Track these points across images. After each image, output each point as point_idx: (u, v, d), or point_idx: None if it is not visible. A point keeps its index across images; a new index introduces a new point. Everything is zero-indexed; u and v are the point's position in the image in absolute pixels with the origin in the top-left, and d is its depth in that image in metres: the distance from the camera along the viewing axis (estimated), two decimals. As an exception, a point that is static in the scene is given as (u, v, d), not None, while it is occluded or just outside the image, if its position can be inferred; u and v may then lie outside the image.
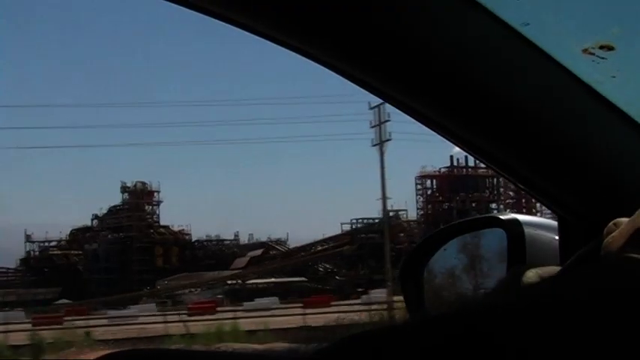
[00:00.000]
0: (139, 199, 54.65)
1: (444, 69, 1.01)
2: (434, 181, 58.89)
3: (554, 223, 1.15)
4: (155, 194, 55.78)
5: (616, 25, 1.05)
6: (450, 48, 1.00)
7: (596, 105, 1.05)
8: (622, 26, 1.04)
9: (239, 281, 48.03)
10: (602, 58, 1.05)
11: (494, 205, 57.30)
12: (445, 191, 57.48)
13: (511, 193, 56.95)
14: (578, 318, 0.49)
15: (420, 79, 1.03)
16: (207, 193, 74.43)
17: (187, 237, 57.77)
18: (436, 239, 1.30)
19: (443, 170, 58.34)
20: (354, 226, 57.15)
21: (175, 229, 56.53)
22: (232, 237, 60.11)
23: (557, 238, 1.14)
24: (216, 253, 57.27)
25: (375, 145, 35.57)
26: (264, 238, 59.24)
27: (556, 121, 1.06)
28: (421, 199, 58.75)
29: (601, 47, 1.05)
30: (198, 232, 58.83)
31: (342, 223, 57.94)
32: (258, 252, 57.18)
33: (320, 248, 57.15)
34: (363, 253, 53.54)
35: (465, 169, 57.91)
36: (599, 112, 1.05)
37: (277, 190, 73.43)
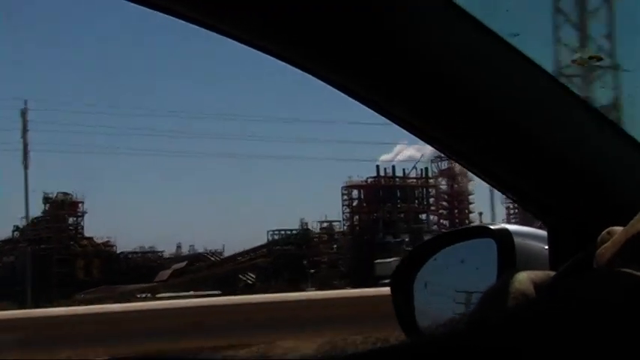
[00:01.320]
0: (60, 209, 53.13)
1: (432, 79, 1.02)
2: (361, 191, 59.32)
3: (544, 232, 1.16)
4: (80, 205, 54.40)
5: (605, 37, 1.08)
6: (439, 58, 1.01)
7: (586, 114, 1.08)
8: (612, 38, 1.08)
9: (148, 294, 47.37)
10: (592, 68, 1.08)
11: (424, 216, 58.19)
12: (372, 201, 57.97)
13: (444, 203, 58.01)
14: (572, 331, 0.50)
15: (408, 88, 1.03)
16: (147, 204, 73.37)
17: (112, 249, 56.54)
18: (426, 249, 1.31)
19: (370, 180, 58.82)
20: (270, 238, 57.14)
21: (100, 240, 55.24)
22: (174, 248, 59.57)
23: (546, 247, 1.15)
24: (141, 266, 56.35)
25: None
26: (210, 248, 58.86)
27: (546, 129, 1.08)
28: (347, 209, 59.05)
29: (590, 58, 1.08)
30: (133, 244, 57.92)
31: (268, 231, 57.82)
32: (182, 264, 56.56)
33: (240, 259, 56.95)
34: (278, 265, 53.58)
35: (392, 179, 58.58)
36: (590, 120, 1.08)
37: (217, 200, 73.06)
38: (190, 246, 60.59)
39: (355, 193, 59.02)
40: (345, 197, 58.49)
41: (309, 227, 57.08)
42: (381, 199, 57.62)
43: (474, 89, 1.04)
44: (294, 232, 55.97)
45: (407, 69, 1.01)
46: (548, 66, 1.09)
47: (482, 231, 1.23)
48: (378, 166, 58.56)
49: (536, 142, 1.08)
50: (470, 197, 56.73)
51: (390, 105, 1.06)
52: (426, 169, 58.60)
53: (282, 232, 56.79)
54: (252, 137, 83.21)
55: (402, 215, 56.94)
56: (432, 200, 58.73)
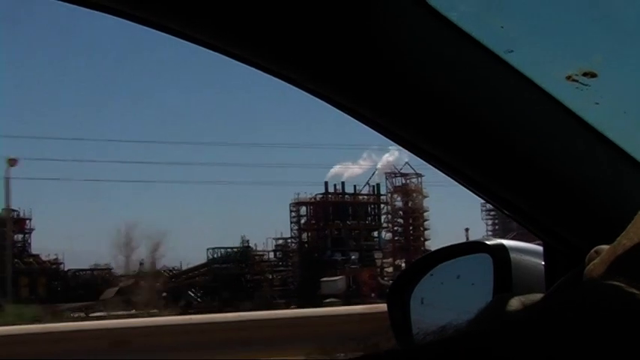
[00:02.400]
0: (3, 227, 51.84)
1: (426, 95, 1.04)
2: (309, 208, 59.32)
3: (540, 248, 1.19)
4: (27, 222, 53.37)
5: (599, 52, 1.11)
6: (433, 74, 1.03)
7: (579, 131, 1.10)
8: (605, 53, 1.10)
9: (82, 314, 46.55)
10: (586, 85, 1.10)
11: (375, 233, 58.42)
12: (320, 218, 58.00)
13: (400, 220, 58.31)
14: (562, 342, 0.52)
15: (403, 105, 1.05)
16: (105, 222, 72.66)
17: (59, 266, 55.46)
18: (423, 264, 1.32)
19: (318, 197, 58.89)
20: (210, 256, 56.71)
21: (47, 258, 54.18)
22: (137, 265, 58.85)
23: (543, 263, 1.18)
24: (91, 283, 55.50)
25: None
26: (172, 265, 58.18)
27: (540, 147, 1.10)
28: (295, 227, 58.97)
29: (584, 74, 1.10)
30: (88, 261, 57.00)
31: (208, 249, 57.31)
32: (130, 281, 55.77)
33: (184, 277, 56.44)
34: (217, 283, 53.25)
35: (341, 196, 58.73)
36: (583, 138, 1.10)
37: (176, 219, 72.88)
38: (151, 263, 60.39)
39: (304, 210, 59.07)
40: (294, 214, 58.52)
41: (252, 245, 56.63)
42: (329, 216, 57.71)
43: (467, 105, 1.05)
44: (234, 249, 55.51)
45: (399, 84, 1.02)
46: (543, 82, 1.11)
47: (479, 246, 1.24)
48: (326, 183, 58.67)
49: (531, 158, 1.10)
50: (425, 214, 57.25)
51: (382, 119, 1.08)
52: (378, 185, 59.05)
53: (222, 250, 56.36)
54: (209, 163, 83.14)
55: (354, 232, 57.11)
56: (387, 217, 59.09)
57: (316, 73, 1.02)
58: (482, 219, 63.94)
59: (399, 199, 58.79)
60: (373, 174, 59.81)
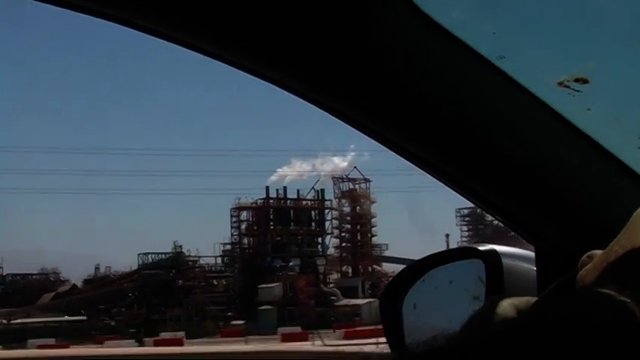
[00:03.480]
0: None
1: (419, 101, 1.06)
2: (250, 212, 59.06)
3: (532, 254, 1.21)
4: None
5: (591, 58, 1.14)
6: (426, 80, 1.05)
7: (571, 137, 1.12)
8: (597, 59, 1.14)
9: (3, 321, 45.47)
10: (578, 90, 1.13)
11: (319, 239, 58.39)
12: (262, 224, 57.79)
13: (348, 226, 58.43)
14: (554, 350, 0.54)
15: (396, 111, 1.07)
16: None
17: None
18: (415, 270, 1.34)
19: (259, 201, 58.68)
20: (141, 261, 55.95)
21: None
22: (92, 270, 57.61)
23: (534, 269, 1.20)
24: (28, 288, 54.23)
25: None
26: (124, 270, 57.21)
27: (532, 152, 1.12)
28: (236, 232, 58.62)
29: (576, 80, 1.13)
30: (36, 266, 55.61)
31: (138, 254, 56.46)
32: (67, 286, 54.78)
33: (118, 283, 55.66)
34: (147, 290, 52.58)
35: (283, 200, 58.65)
36: (575, 144, 1.13)
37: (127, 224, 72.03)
38: (107, 267, 59.27)
39: (245, 214, 58.78)
40: (235, 219, 58.18)
41: (193, 250, 56.08)
42: (270, 222, 57.53)
43: (460, 110, 1.08)
44: (166, 255, 54.91)
45: (392, 89, 1.04)
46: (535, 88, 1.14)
47: (471, 252, 1.26)
48: (267, 187, 58.51)
49: (523, 163, 1.12)
50: (372, 220, 57.58)
51: (385, 131, 1.10)
52: (322, 190, 59.10)
53: (153, 255, 55.71)
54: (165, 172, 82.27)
55: (296, 238, 57.00)
56: (331, 223, 59.05)
57: (309, 77, 1.04)
58: (456, 224, 65.09)
59: (346, 204, 58.97)
60: (319, 179, 59.91)
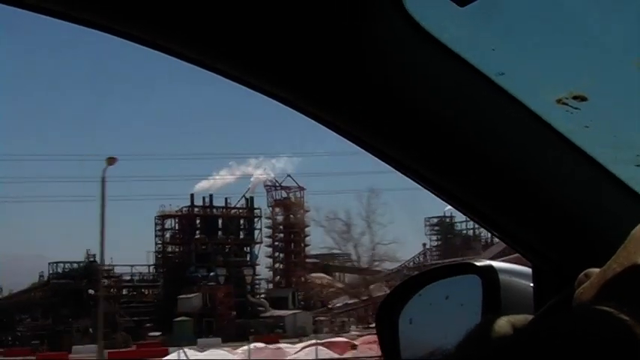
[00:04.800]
0: None
1: (417, 117, 1.08)
2: (174, 221, 58.21)
3: (529, 270, 1.24)
4: None
5: (589, 76, 1.18)
6: (425, 96, 1.07)
7: (570, 155, 1.16)
8: (595, 77, 1.18)
9: None
10: (576, 108, 1.17)
11: (247, 249, 57.88)
12: (187, 232, 57.03)
13: (282, 234, 57.93)
14: None
15: (395, 127, 1.09)
16: None
17: None
18: (412, 285, 1.35)
19: (184, 210, 57.91)
20: (52, 270, 54.59)
21: None
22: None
23: (532, 285, 1.23)
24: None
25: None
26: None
27: (531, 170, 1.15)
28: (160, 240, 57.68)
29: (574, 97, 1.17)
30: None
31: (50, 263, 55.10)
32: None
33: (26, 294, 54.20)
34: (55, 300, 51.36)
35: (209, 209, 58.02)
36: (573, 161, 1.16)
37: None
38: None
39: (169, 223, 57.92)
40: (159, 228, 57.25)
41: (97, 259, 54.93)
42: (197, 230, 56.82)
43: (459, 127, 1.10)
44: (79, 264, 53.64)
45: (391, 104, 1.06)
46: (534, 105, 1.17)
47: (468, 267, 1.29)
48: (192, 195, 57.74)
49: (521, 181, 1.15)
50: (306, 229, 57.33)
51: (384, 146, 1.11)
52: (252, 198, 58.63)
53: (64, 265, 54.40)
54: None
55: (224, 247, 56.40)
56: (266, 232, 58.49)
57: (306, 91, 1.05)
58: (425, 234, 65.47)
59: (280, 213, 58.61)
60: (249, 188, 59.38)
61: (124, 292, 55.63)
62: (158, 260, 57.46)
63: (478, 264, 1.28)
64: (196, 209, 57.64)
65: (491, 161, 1.13)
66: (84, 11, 0.94)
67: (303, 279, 55.05)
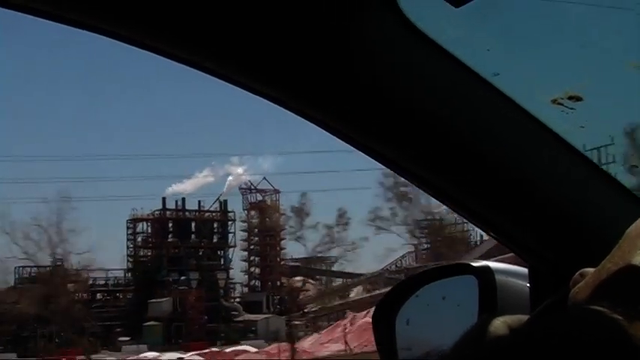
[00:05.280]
0: None
1: (414, 117, 1.09)
2: (147, 224, 57.83)
3: (525, 270, 1.25)
4: None
5: (584, 77, 1.20)
6: (421, 96, 1.08)
7: (565, 155, 1.17)
8: (590, 78, 1.20)
9: None
10: (571, 108, 1.19)
11: (221, 252, 57.62)
12: (159, 236, 56.67)
13: (256, 238, 57.54)
14: None
15: (390, 126, 1.09)
16: None
17: None
18: (408, 286, 1.37)
19: (156, 213, 57.53)
20: (17, 274, 53.91)
21: None
22: None
23: (528, 285, 1.24)
24: None
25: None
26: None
27: (526, 170, 1.16)
28: (131, 244, 57.27)
29: (570, 98, 1.19)
30: None
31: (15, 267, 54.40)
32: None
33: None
34: (20, 305, 50.70)
35: (181, 212, 57.69)
36: (569, 161, 1.17)
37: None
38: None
39: (141, 227, 57.54)
40: (130, 231, 56.83)
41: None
42: (169, 234, 56.49)
43: (454, 128, 1.11)
44: (46, 268, 53.03)
45: (387, 105, 1.06)
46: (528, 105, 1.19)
47: (465, 268, 1.30)
48: (164, 199, 57.33)
49: (517, 181, 1.16)
50: (282, 232, 57.07)
51: (381, 147, 1.12)
52: (225, 201, 58.35)
53: (30, 268, 53.74)
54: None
55: (197, 251, 56.07)
56: (241, 235, 58.13)
57: (301, 91, 1.05)
58: (414, 236, 65.29)
59: (255, 216, 58.30)
60: (223, 190, 59.05)
61: (98, 296, 55.10)
62: (130, 264, 57.04)
63: (474, 265, 1.29)
64: (168, 212, 57.31)
65: (487, 161, 1.14)
66: (71, 11, 0.94)
67: (278, 283, 54.98)
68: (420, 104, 1.08)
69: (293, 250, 56.28)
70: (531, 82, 1.22)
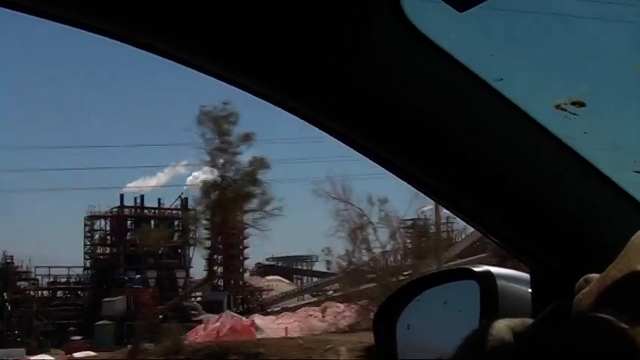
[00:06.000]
0: None
1: (416, 122, 1.09)
2: (105, 222, 57.16)
3: (527, 276, 1.26)
4: None
5: (587, 82, 1.22)
6: (424, 101, 1.08)
7: (568, 160, 1.18)
8: (593, 83, 1.21)
9: None
10: (574, 114, 1.21)
11: (181, 251, 57.08)
12: (117, 234, 56.08)
13: (220, 236, 56.98)
14: None
15: (393, 131, 1.10)
16: None
17: None
18: (409, 290, 1.37)
19: (114, 210, 56.90)
20: None
21: None
22: None
23: (529, 291, 1.25)
24: None
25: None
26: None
27: (528, 175, 1.18)
28: (89, 242, 56.57)
29: (573, 103, 1.20)
30: None
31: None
32: None
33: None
34: None
35: (140, 210, 57.12)
36: (571, 167, 1.18)
37: None
38: None
39: (99, 224, 56.89)
40: (88, 229, 56.15)
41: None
42: (128, 232, 55.91)
43: (457, 132, 1.12)
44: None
45: (390, 109, 1.07)
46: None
47: (466, 273, 1.31)
48: (122, 195, 56.69)
49: (519, 186, 1.17)
50: (245, 231, 56.65)
51: (381, 150, 1.12)
52: (187, 199, 57.74)
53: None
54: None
55: (157, 249, 55.46)
56: (205, 233, 57.49)
57: (302, 94, 1.05)
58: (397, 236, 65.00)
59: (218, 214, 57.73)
60: (186, 188, 58.41)
61: (58, 294, 54.34)
62: (87, 262, 56.36)
63: (476, 269, 1.30)
64: (127, 210, 56.72)
65: (489, 167, 1.15)
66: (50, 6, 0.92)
67: (241, 282, 54.77)
68: (423, 108, 1.08)
69: (274, 249, 56.18)
70: (535, 88, 1.23)
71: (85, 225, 56.32)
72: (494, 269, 1.28)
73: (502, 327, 0.74)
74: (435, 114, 1.09)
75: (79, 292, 55.92)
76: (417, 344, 1.35)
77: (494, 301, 1.23)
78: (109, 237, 56.78)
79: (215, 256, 56.87)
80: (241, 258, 55.46)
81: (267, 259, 57.01)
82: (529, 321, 0.78)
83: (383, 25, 1.01)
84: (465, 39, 1.18)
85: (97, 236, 56.82)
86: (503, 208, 1.18)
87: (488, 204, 1.18)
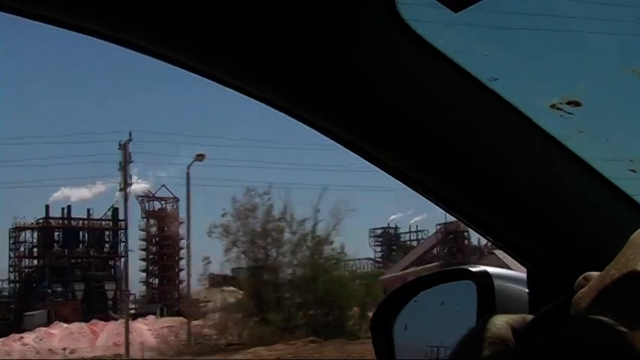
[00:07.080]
0: None
1: (411, 123, 1.10)
2: (30, 234, 55.84)
3: (524, 276, 1.27)
4: None
5: (582, 82, 1.23)
6: (417, 101, 1.09)
7: (564, 160, 1.19)
8: (588, 82, 1.23)
9: None
10: (570, 113, 1.22)
11: (112, 262, 56.14)
12: (42, 245, 54.88)
13: (154, 247, 56.12)
14: None
15: (389, 132, 1.10)
16: None
17: None
18: (406, 291, 1.38)
19: (40, 221, 55.66)
20: None
21: None
22: None
23: (526, 290, 1.26)
24: None
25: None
26: None
27: (524, 175, 1.19)
28: (13, 254, 55.18)
29: (568, 103, 1.22)
30: None
31: None
32: None
33: None
34: None
35: (67, 221, 55.97)
36: (568, 166, 1.20)
37: None
38: None
39: (25, 235, 55.51)
40: (13, 240, 54.74)
41: None
42: (55, 243, 54.72)
43: (452, 133, 1.12)
44: None
45: (383, 110, 1.07)
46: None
47: (463, 273, 1.31)
48: (47, 206, 55.47)
49: (515, 186, 1.18)
50: (181, 242, 55.92)
51: (378, 152, 1.12)
52: (116, 210, 56.76)
53: None
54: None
55: (85, 261, 54.47)
56: (140, 244, 56.39)
57: (297, 95, 1.05)
58: (370, 245, 65.35)
59: (154, 224, 56.92)
60: (117, 200, 57.50)
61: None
62: (12, 275, 54.92)
63: (473, 269, 1.30)
64: (53, 221, 55.50)
65: (485, 167, 1.16)
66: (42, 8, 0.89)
67: (176, 294, 54.01)
68: (418, 108, 1.09)
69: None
70: (530, 87, 1.24)
71: (10, 237, 54.93)
72: (491, 269, 1.29)
73: (502, 323, 0.75)
74: (429, 114, 1.09)
75: (3, 306, 54.50)
76: (415, 345, 1.35)
77: (492, 301, 1.24)
78: (35, 249, 55.47)
79: (150, 267, 56.19)
80: (176, 269, 54.80)
81: (233, 270, 56.38)
82: (529, 317, 0.80)
83: (377, 26, 1.01)
84: (460, 39, 1.18)
85: (22, 248, 55.41)
86: (499, 208, 1.19)
87: (483, 203, 1.18)
